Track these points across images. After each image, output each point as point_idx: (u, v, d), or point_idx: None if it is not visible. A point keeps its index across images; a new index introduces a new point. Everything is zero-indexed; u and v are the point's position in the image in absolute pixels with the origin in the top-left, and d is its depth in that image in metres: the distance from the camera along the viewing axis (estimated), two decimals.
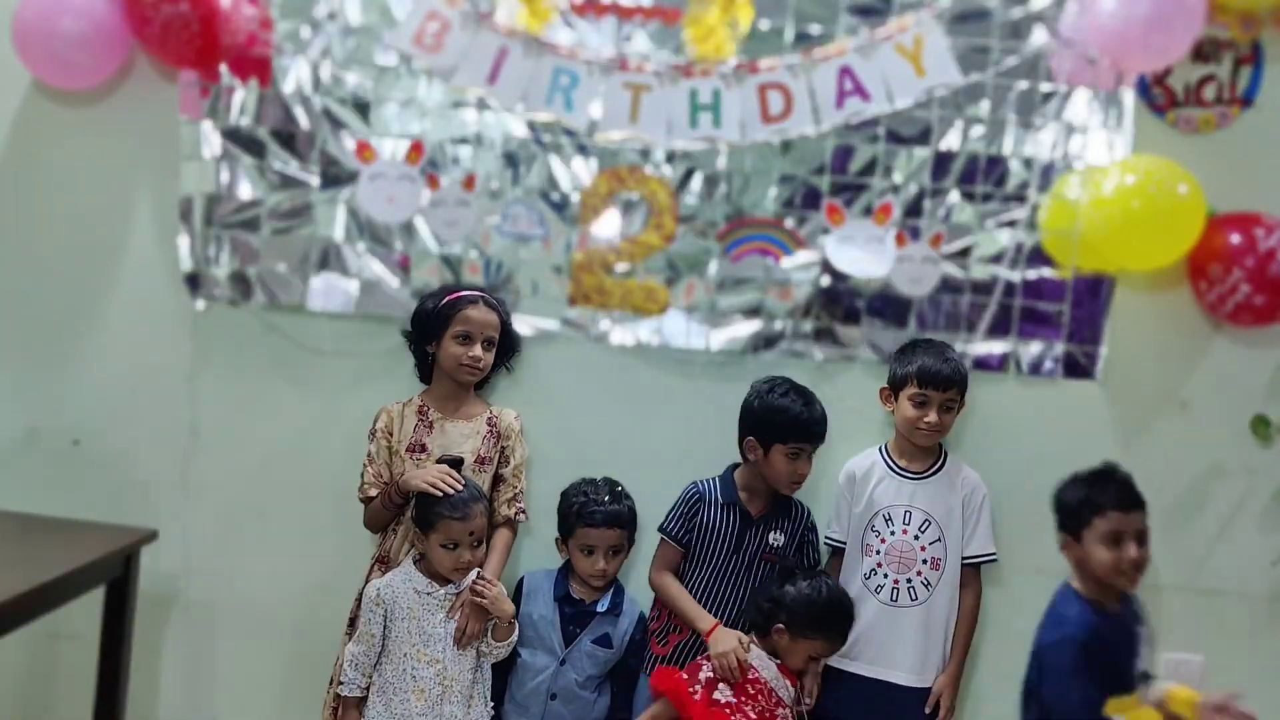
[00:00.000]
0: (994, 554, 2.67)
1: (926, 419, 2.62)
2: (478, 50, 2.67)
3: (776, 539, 2.69)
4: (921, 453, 2.68)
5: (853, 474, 2.73)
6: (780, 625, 2.53)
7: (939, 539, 2.63)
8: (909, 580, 2.63)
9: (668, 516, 2.70)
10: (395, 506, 2.63)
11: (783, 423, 2.61)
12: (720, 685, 2.48)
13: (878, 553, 2.65)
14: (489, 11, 2.70)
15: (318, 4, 2.82)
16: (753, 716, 2.46)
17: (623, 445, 2.85)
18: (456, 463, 2.60)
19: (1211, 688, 2.86)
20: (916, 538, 2.63)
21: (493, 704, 2.60)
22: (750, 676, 2.49)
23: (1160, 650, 2.87)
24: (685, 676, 2.50)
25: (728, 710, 2.45)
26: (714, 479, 2.72)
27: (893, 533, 2.65)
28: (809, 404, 2.64)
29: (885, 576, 2.63)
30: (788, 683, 2.53)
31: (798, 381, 2.75)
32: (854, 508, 2.70)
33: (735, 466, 2.72)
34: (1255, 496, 2.85)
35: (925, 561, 2.63)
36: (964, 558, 2.66)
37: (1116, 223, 2.63)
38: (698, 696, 2.45)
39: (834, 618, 2.54)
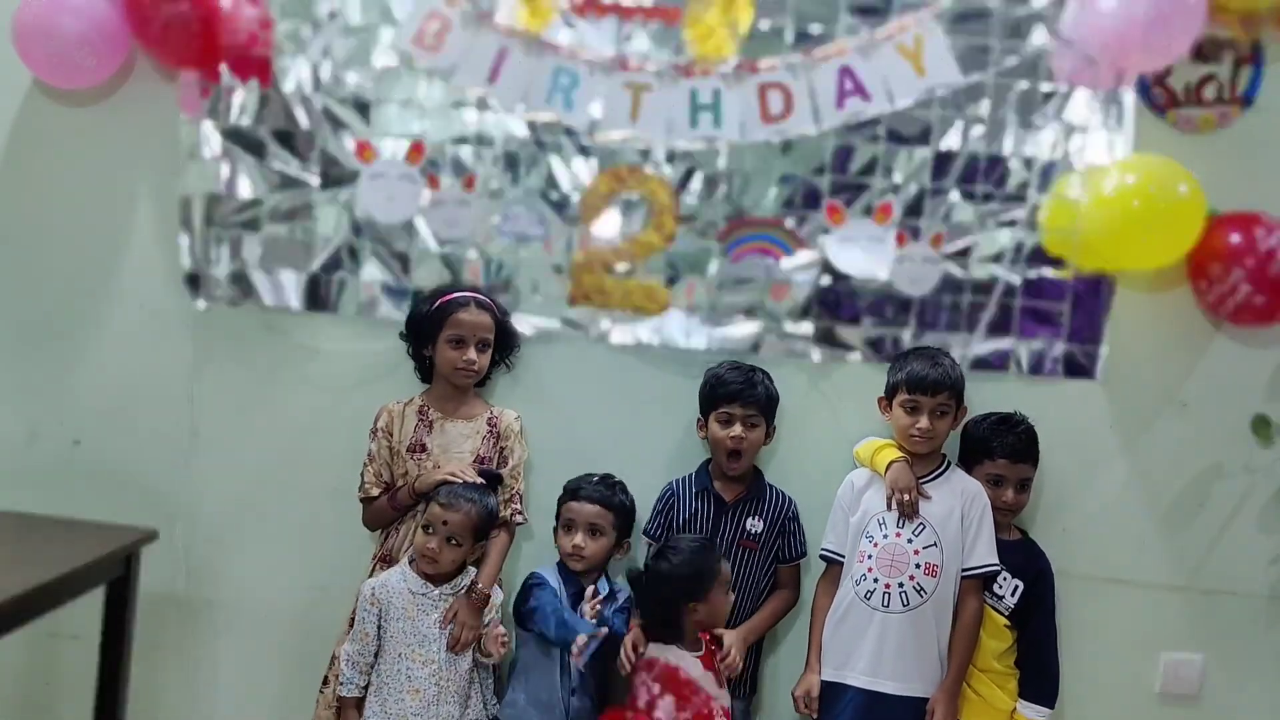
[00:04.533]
0: (996, 565, 2.63)
1: (918, 425, 2.61)
2: (478, 50, 2.67)
3: (754, 525, 2.70)
4: (921, 459, 2.66)
5: (852, 483, 2.72)
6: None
7: (934, 544, 2.60)
8: (900, 584, 2.59)
9: (648, 518, 2.74)
10: (404, 508, 2.64)
11: (712, 389, 2.69)
12: (658, 703, 2.46)
13: (869, 557, 2.63)
14: (489, 11, 2.70)
15: (318, 4, 2.82)
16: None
17: (623, 445, 2.85)
18: (494, 478, 2.61)
19: (1212, 688, 2.88)
20: (910, 541, 2.60)
21: (496, 702, 2.60)
22: (681, 678, 2.48)
23: (1160, 650, 2.88)
24: (630, 715, 2.49)
25: None
26: (689, 474, 2.77)
27: (885, 536, 2.62)
28: (739, 371, 2.69)
29: (875, 581, 2.61)
30: (711, 675, 2.52)
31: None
32: (851, 516, 2.69)
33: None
34: (1255, 496, 2.85)
35: (919, 566, 2.58)
36: (964, 569, 2.62)
37: (1117, 222, 2.63)
38: None
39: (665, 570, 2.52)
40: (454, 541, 2.50)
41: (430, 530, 2.49)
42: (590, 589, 2.59)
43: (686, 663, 2.50)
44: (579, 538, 2.63)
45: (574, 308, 2.85)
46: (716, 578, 2.51)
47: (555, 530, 2.70)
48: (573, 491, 2.68)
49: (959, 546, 2.61)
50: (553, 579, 2.64)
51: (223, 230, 2.87)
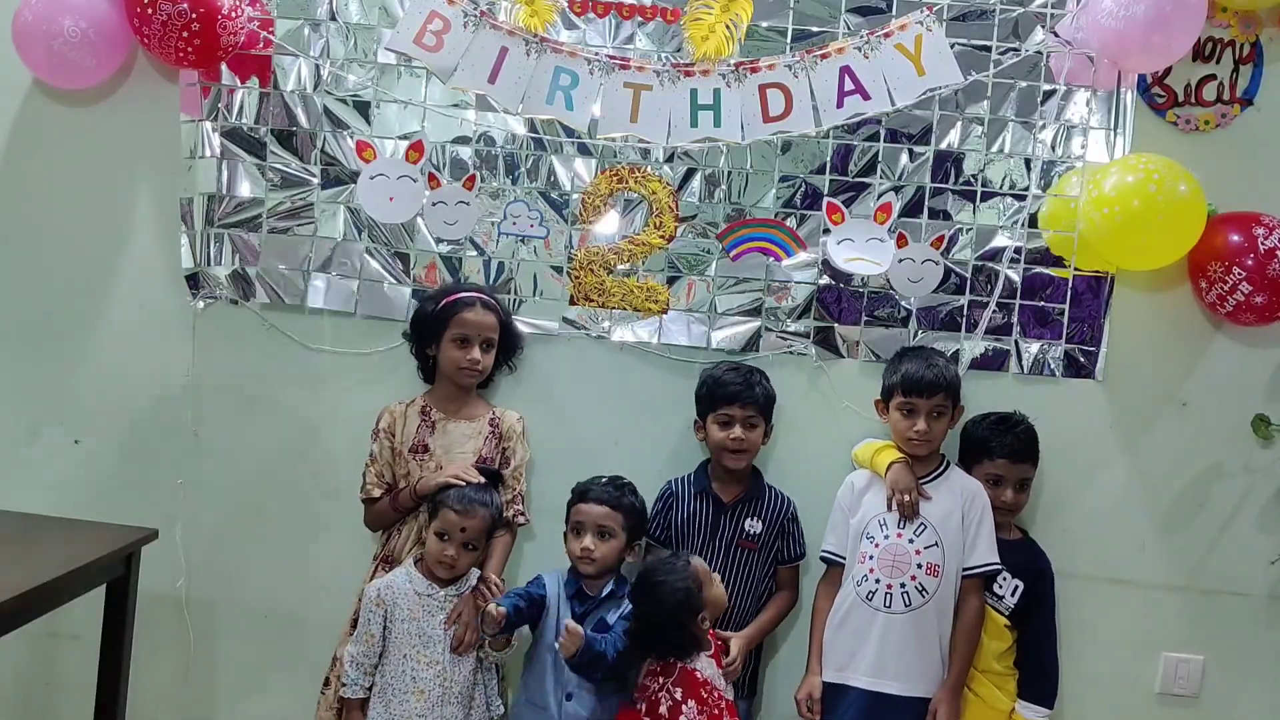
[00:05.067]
0: (997, 564, 2.63)
1: (915, 428, 2.61)
2: (478, 50, 2.66)
3: (753, 526, 2.70)
4: (921, 459, 2.66)
5: (852, 484, 2.72)
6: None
7: (935, 544, 2.60)
8: (902, 585, 2.59)
9: (648, 519, 2.73)
10: (405, 509, 2.63)
11: (710, 390, 2.69)
12: (682, 709, 2.43)
13: (870, 558, 2.62)
14: (489, 11, 2.70)
15: (318, 4, 2.82)
16: None
17: (623, 445, 2.85)
18: (494, 475, 2.61)
19: (1212, 688, 2.88)
20: (911, 541, 2.60)
21: (500, 703, 2.60)
22: (699, 679, 2.46)
23: (1160, 650, 2.88)
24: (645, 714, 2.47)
25: None
26: (688, 474, 2.77)
27: (886, 536, 2.62)
28: (736, 372, 2.69)
29: (877, 581, 2.61)
30: (719, 671, 2.52)
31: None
32: (851, 517, 2.69)
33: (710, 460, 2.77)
34: (1255, 496, 2.85)
35: (920, 566, 2.58)
36: (964, 569, 2.62)
37: (1117, 222, 2.63)
38: None
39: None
40: (471, 546, 2.51)
41: (446, 538, 2.49)
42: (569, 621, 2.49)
43: (701, 663, 2.49)
44: (588, 540, 2.57)
45: (574, 307, 2.85)
46: (700, 578, 2.49)
47: (565, 535, 2.65)
48: (581, 493, 2.63)
49: (960, 546, 2.61)
50: (552, 585, 2.61)
51: (223, 230, 2.87)
